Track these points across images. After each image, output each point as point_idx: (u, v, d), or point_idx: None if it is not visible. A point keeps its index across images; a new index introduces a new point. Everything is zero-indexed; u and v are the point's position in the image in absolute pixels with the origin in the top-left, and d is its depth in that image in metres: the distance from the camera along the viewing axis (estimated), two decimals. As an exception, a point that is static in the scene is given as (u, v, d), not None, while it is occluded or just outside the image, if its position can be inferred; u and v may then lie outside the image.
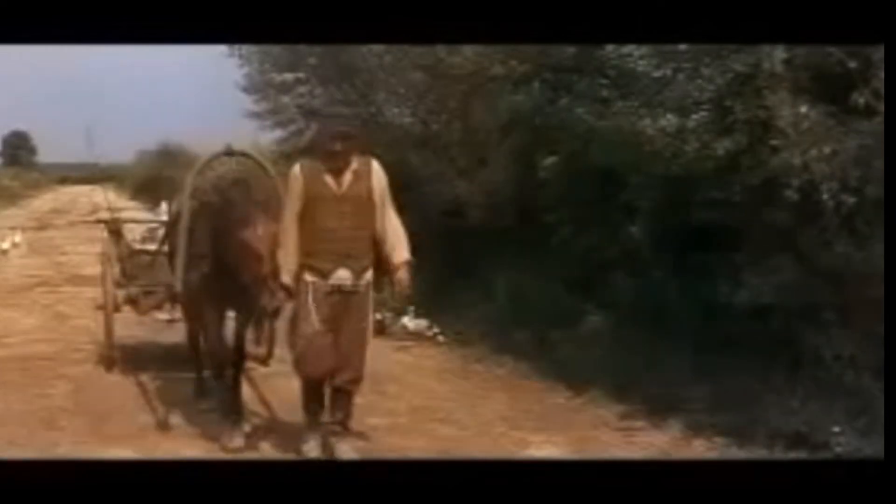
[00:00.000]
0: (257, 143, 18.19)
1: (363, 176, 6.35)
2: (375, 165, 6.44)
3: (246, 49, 15.24)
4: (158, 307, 9.16)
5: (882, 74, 6.18)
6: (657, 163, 7.52)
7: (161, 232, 9.58)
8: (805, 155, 6.20)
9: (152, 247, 9.60)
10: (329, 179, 6.28)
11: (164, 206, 11.63)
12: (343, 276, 6.30)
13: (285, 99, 14.72)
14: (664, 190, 7.70)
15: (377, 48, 10.92)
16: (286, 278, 6.27)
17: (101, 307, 9.32)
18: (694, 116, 7.17)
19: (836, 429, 6.30)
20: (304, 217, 6.29)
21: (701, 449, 6.68)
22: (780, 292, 6.84)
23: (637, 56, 7.56)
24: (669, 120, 7.24)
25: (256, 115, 15.34)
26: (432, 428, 7.38)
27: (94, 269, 11.06)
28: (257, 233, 6.30)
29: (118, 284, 9.33)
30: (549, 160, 9.34)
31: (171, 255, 8.03)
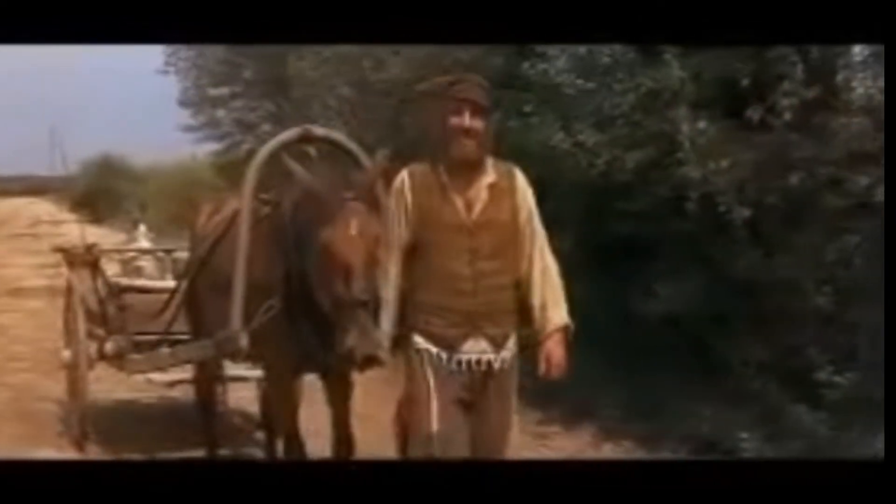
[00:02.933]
0: (195, 156, 18.41)
1: (504, 192, 4.31)
2: (520, 176, 4.39)
3: (183, 63, 15.42)
4: (161, 367, 6.50)
5: (783, 87, 6.50)
6: (574, 176, 7.71)
7: (146, 263, 7.79)
8: (704, 168, 6.45)
9: (146, 282, 7.40)
10: (455, 198, 4.25)
11: (142, 227, 9.56)
12: (476, 348, 4.27)
13: (221, 112, 14.91)
14: (580, 202, 7.92)
15: (309, 63, 11.07)
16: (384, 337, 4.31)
17: (69, 366, 7.00)
18: (608, 130, 7.41)
19: (744, 435, 6.50)
20: (416, 256, 4.29)
21: (610, 453, 6.88)
22: (691, 301, 7.07)
23: (555, 71, 7.78)
24: (586, 134, 7.46)
25: (193, 129, 15.53)
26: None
27: (35, 282, 10.84)
28: (349, 232, 4.27)
29: (92, 335, 6.76)
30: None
31: (190, 294, 5.88)
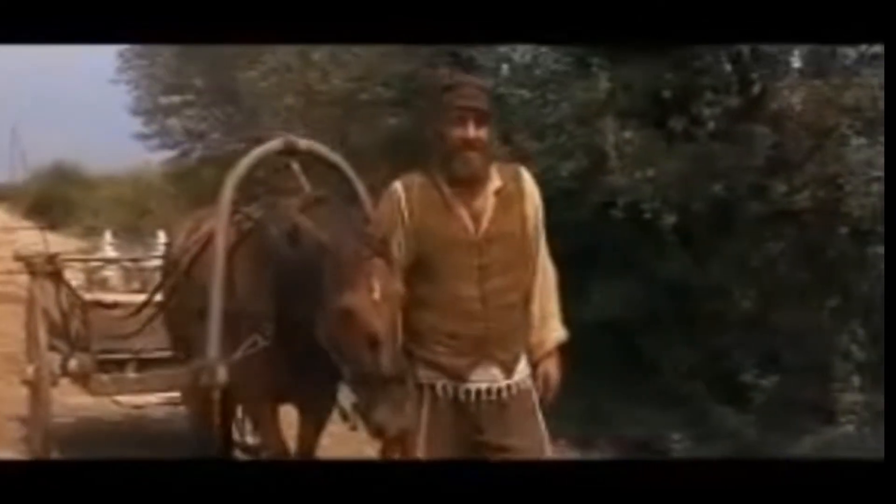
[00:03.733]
0: (149, 164, 18.48)
1: (512, 198, 3.84)
2: (527, 176, 3.91)
3: (135, 73, 15.55)
4: (133, 390, 6.00)
5: (706, 97, 6.71)
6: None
7: (112, 274, 7.29)
8: (631, 177, 6.65)
9: (113, 296, 6.81)
10: (460, 211, 3.79)
11: (107, 235, 8.89)
12: (486, 376, 3.79)
13: (173, 121, 15.04)
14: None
15: (257, 73, 11.21)
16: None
17: (29, 382, 6.48)
18: (545, 140, 7.62)
19: (675, 436, 6.68)
20: (416, 279, 3.80)
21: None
22: (623, 306, 7.27)
23: (496, 82, 7.99)
24: (522, 143, 7.66)
25: (145, 137, 15.68)
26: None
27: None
28: (372, 297, 3.69)
29: (55, 349, 6.23)
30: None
31: (171, 313, 5.38)
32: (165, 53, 14.79)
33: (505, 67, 8.70)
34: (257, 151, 4.84)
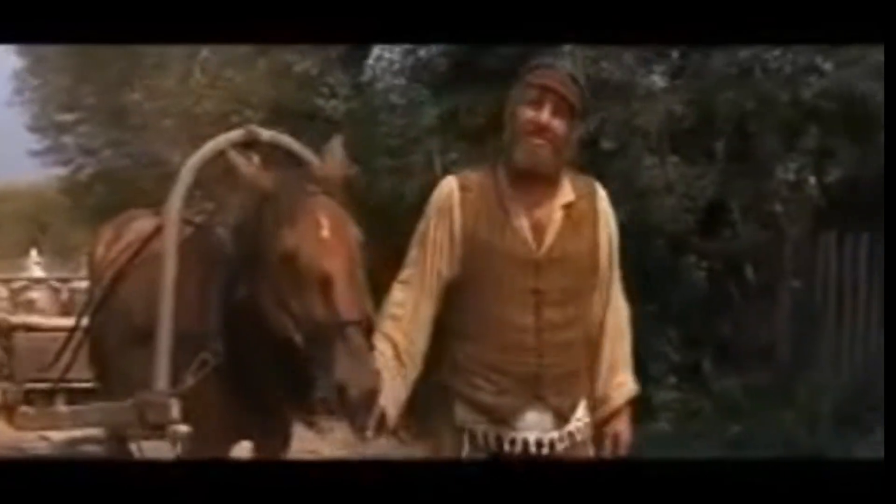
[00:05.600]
0: (43, 180, 18.92)
1: (583, 217, 3.28)
2: (602, 194, 3.35)
3: (30, 94, 16.12)
4: (65, 425, 5.03)
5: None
6: (371, 199, 8.72)
7: (39, 295, 6.82)
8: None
9: (39, 319, 6.20)
10: (521, 222, 3.21)
11: (33, 254, 8.38)
12: (537, 424, 3.20)
13: (66, 138, 15.64)
14: (371, 224, 8.97)
15: (140, 95, 11.89)
16: (391, 410, 3.14)
17: None
18: (395, 159, 8.48)
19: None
20: (461, 297, 3.23)
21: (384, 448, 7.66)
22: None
23: (347, 109, 8.86)
24: (376, 161, 8.51)
25: (38, 154, 16.22)
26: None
27: None
28: (320, 233, 3.15)
29: None
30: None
31: (94, 339, 4.60)
32: (61, 73, 15.40)
33: (367, 91, 9.65)
34: (214, 143, 4.07)
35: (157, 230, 4.08)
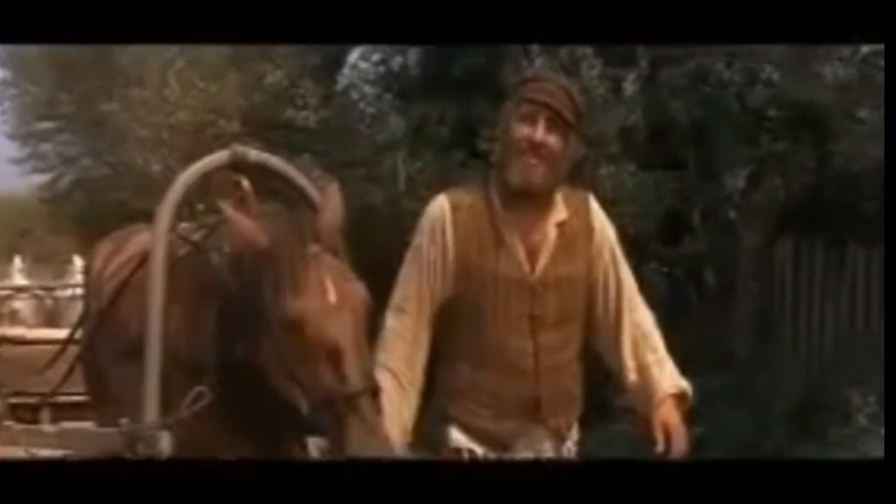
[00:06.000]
0: (24, 188, 19.08)
1: (578, 234, 3.22)
2: (595, 208, 3.29)
3: (9, 103, 16.26)
4: (50, 445, 4.55)
5: (484, 133, 7.74)
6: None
7: (23, 305, 6.65)
8: (420, 202, 7.70)
9: (24, 332, 5.97)
10: (515, 244, 3.14)
11: (17, 261, 8.36)
12: (535, 446, 3.18)
13: (46, 146, 15.81)
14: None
15: (117, 104, 12.05)
16: (398, 438, 3.09)
17: None
18: (358, 169, 8.69)
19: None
20: (455, 321, 3.17)
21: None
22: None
23: (316, 119, 9.08)
24: (339, 172, 8.71)
25: (18, 161, 16.39)
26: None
27: None
28: (327, 300, 2.96)
29: None
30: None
31: (90, 355, 4.30)
32: (40, 83, 15.56)
33: (338, 101, 9.87)
34: (199, 165, 3.85)
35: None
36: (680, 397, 3.26)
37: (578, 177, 7.79)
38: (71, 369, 4.50)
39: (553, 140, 3.07)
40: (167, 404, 3.44)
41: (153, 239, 3.67)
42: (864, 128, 6.49)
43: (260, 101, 10.10)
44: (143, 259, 3.85)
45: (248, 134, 10.50)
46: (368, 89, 9.85)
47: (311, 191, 3.83)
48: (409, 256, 3.21)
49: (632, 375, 3.25)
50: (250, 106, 10.17)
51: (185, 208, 3.93)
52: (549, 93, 3.12)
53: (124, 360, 3.75)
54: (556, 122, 3.08)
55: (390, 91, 9.60)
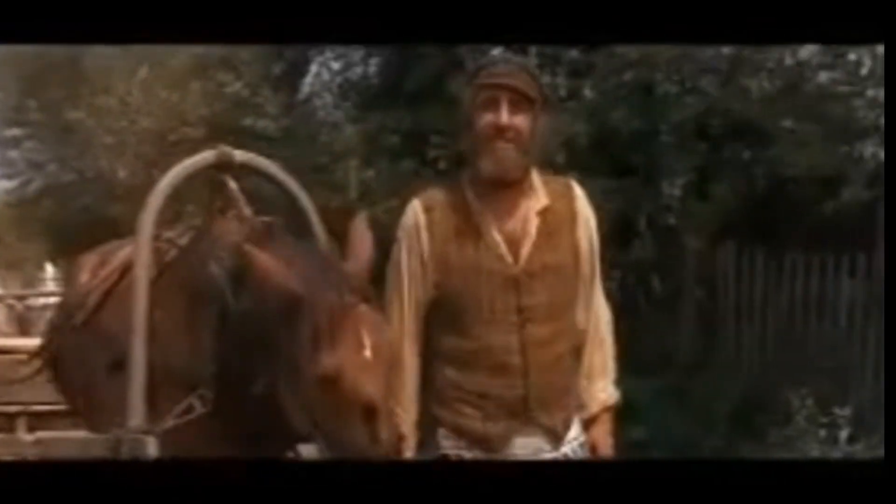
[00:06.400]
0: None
1: (562, 221, 3.10)
2: (579, 193, 3.16)
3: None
4: (29, 454, 4.63)
5: (433, 140, 7.96)
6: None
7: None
8: (374, 208, 7.91)
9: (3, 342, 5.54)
10: (494, 235, 3.04)
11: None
12: (529, 447, 3.07)
13: (14, 153, 15.96)
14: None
15: (83, 112, 12.21)
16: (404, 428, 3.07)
17: None
18: (315, 177, 8.90)
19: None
20: (439, 319, 3.10)
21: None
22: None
23: (275, 127, 9.30)
24: (309, 177, 8.96)
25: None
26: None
27: None
28: (363, 356, 2.83)
29: None
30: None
31: (65, 361, 4.21)
32: (7, 90, 15.71)
33: (297, 110, 10.11)
34: (184, 165, 3.81)
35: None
36: (613, 410, 3.24)
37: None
38: (34, 375, 4.42)
39: (519, 121, 2.98)
40: (155, 412, 3.35)
41: (139, 231, 3.58)
42: (793, 136, 6.71)
43: (221, 109, 10.28)
44: (127, 268, 3.77)
45: (209, 140, 10.69)
46: (328, 99, 10.09)
47: (297, 191, 3.84)
48: (390, 267, 3.10)
49: (581, 378, 3.18)
50: (212, 114, 10.38)
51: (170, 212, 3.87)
52: (506, 74, 3.03)
53: (114, 372, 3.64)
54: (520, 102, 2.99)
55: (349, 100, 9.85)
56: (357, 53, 10.07)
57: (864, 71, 6.26)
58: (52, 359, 4.29)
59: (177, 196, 3.82)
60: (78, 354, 4.06)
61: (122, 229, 11.43)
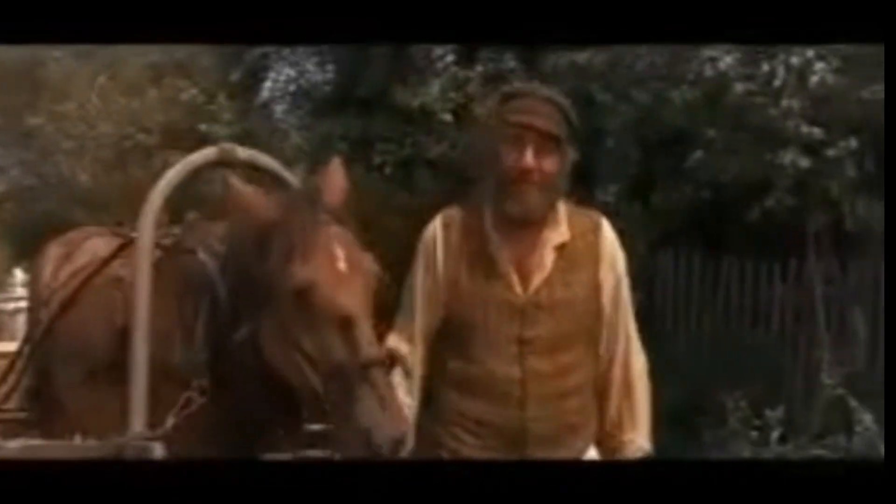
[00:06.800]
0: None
1: (582, 258, 3.04)
2: (607, 232, 3.10)
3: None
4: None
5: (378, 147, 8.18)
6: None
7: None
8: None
9: None
10: (506, 264, 3.00)
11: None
12: None
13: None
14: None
15: (41, 118, 12.34)
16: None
17: None
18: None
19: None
20: (444, 341, 3.07)
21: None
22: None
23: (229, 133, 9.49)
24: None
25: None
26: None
27: None
28: (337, 267, 2.87)
29: None
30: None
31: (37, 369, 4.01)
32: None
33: (250, 116, 10.32)
34: (187, 162, 3.72)
35: (117, 251, 3.67)
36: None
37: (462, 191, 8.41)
38: (16, 384, 4.19)
39: (545, 162, 2.92)
40: (153, 413, 3.24)
41: (140, 235, 3.45)
42: (719, 145, 6.92)
43: (177, 115, 10.46)
44: (100, 266, 3.70)
45: (165, 146, 10.89)
46: (282, 105, 10.27)
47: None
48: (405, 288, 3.08)
49: (608, 425, 3.08)
50: (168, 120, 10.54)
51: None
52: (532, 111, 2.94)
53: (90, 377, 3.54)
54: (546, 142, 2.92)
55: (301, 108, 10.04)
56: (312, 60, 10.24)
57: (777, 82, 6.47)
58: (27, 364, 4.07)
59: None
60: (48, 361, 3.86)
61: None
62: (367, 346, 2.77)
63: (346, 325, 2.77)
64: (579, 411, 3.02)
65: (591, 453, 3.04)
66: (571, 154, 2.98)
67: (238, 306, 3.05)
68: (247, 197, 3.01)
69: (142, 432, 3.21)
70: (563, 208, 3.01)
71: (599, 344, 3.04)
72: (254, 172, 3.73)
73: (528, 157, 2.88)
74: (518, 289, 2.95)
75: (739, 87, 6.59)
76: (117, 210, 12.48)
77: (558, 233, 2.98)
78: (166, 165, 11.63)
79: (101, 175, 11.92)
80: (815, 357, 7.27)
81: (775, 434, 6.79)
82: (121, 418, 3.25)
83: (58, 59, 12.02)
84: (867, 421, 6.50)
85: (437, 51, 8.68)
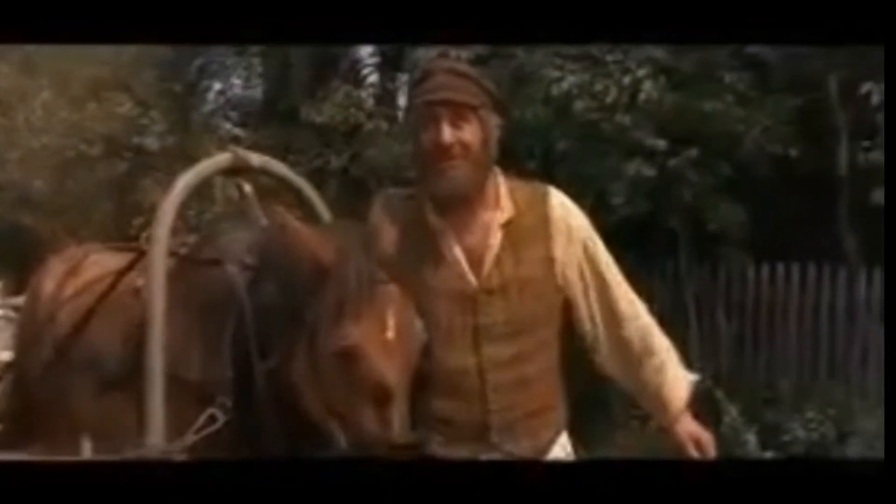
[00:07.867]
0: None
1: (530, 233, 2.90)
2: (557, 203, 2.93)
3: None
4: None
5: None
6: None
7: None
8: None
9: None
10: (452, 249, 2.87)
11: None
12: None
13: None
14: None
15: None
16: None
17: None
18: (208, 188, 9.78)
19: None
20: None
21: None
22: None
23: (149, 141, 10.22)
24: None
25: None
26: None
27: None
28: (385, 336, 2.73)
29: None
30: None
31: (29, 382, 3.91)
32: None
33: (183, 127, 11.01)
34: (200, 168, 3.67)
35: (131, 265, 3.57)
36: (690, 403, 3.04)
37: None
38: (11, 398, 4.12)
39: (463, 134, 2.79)
40: (172, 426, 3.16)
41: (153, 244, 3.37)
42: (575, 157, 7.55)
43: (115, 127, 11.10)
44: (116, 280, 3.61)
45: (105, 157, 11.54)
46: (212, 119, 10.94)
47: (317, 200, 3.79)
48: None
49: (633, 389, 3.03)
50: (107, 132, 11.16)
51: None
52: (440, 86, 2.83)
53: (103, 391, 3.47)
54: (460, 112, 2.79)
55: (229, 120, 10.71)
56: (242, 74, 10.91)
57: (608, 99, 7.16)
58: (18, 377, 4.03)
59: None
60: (52, 373, 3.75)
61: (39, 235, 12.10)
62: (401, 428, 2.66)
63: (382, 400, 2.67)
64: (547, 395, 2.91)
65: (563, 440, 2.96)
66: (494, 121, 2.86)
67: (270, 332, 2.95)
68: (303, 236, 2.83)
69: (157, 445, 3.14)
70: (504, 184, 2.90)
71: (578, 313, 2.93)
72: (267, 180, 3.79)
73: (445, 133, 2.76)
74: (470, 276, 2.82)
75: (579, 105, 7.23)
76: (67, 216, 13.10)
77: (502, 209, 2.85)
78: (111, 175, 12.33)
79: (53, 180, 12.50)
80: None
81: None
82: (136, 430, 3.20)
83: (5, 74, 12.56)
84: (733, 412, 7.04)
85: (365, 60, 9.25)
